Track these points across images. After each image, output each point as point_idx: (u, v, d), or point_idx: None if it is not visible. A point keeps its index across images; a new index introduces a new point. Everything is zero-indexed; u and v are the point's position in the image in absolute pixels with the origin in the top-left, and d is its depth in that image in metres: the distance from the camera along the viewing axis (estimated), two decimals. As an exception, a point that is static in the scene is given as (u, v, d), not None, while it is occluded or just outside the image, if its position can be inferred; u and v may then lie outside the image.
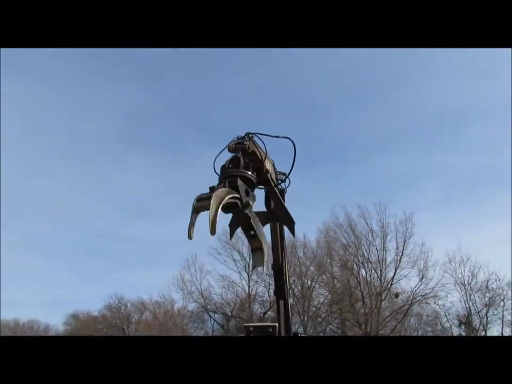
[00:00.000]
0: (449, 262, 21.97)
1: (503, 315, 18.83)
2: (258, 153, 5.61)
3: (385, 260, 24.15)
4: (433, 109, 50.88)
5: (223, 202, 4.32)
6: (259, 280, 31.97)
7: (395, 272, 23.55)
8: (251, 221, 5.33)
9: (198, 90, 68.56)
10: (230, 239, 7.95)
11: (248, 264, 32.14)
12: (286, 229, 9.17)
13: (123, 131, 69.80)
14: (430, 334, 23.51)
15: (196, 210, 4.40)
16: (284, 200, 8.84)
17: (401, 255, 23.67)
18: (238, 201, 4.90)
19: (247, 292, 31.75)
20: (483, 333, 18.36)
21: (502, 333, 18.52)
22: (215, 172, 4.97)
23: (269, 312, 30.47)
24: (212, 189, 4.52)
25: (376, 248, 24.64)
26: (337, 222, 27.45)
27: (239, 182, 4.71)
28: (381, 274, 23.85)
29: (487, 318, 18.60)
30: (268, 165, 7.22)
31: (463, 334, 16.64)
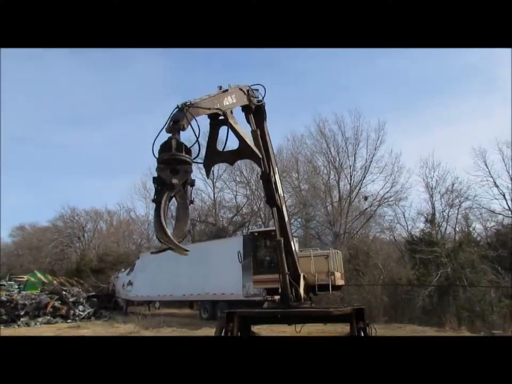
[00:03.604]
0: (422, 167, 24.30)
1: (458, 213, 22.34)
2: (193, 127, 5.38)
3: (355, 166, 26.27)
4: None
5: (163, 224, 4.96)
6: (224, 187, 33.25)
7: (364, 176, 25.91)
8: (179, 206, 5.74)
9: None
10: (207, 177, 8.28)
11: (212, 172, 32.93)
12: (272, 135, 9.32)
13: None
14: (387, 229, 26.75)
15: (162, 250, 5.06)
16: (265, 112, 9.14)
17: (371, 161, 25.81)
18: (167, 194, 5.11)
19: (213, 199, 33.13)
20: (444, 228, 21.82)
21: (455, 229, 22.22)
22: (153, 155, 5.12)
23: (237, 217, 32.42)
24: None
25: (348, 155, 26.46)
26: (311, 129, 28.45)
27: (157, 171, 5.11)
28: (350, 179, 26.07)
29: (448, 216, 22.12)
30: (226, 102, 7.44)
31: (428, 230, 19.32)
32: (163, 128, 5.48)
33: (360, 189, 26.17)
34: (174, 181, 4.92)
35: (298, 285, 10.67)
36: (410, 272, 18.35)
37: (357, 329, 9.37)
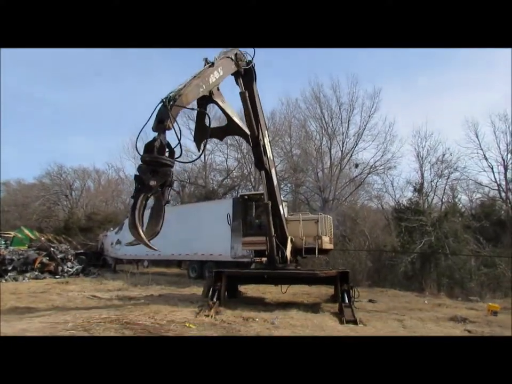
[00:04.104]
0: (414, 136, 24.44)
1: (446, 183, 22.80)
2: (176, 127, 5.65)
3: (348, 133, 26.29)
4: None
5: (136, 222, 5.50)
6: (215, 149, 33.04)
7: (356, 143, 25.99)
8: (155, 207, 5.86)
9: None
10: (199, 151, 8.78)
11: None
12: (262, 99, 9.65)
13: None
14: (376, 199, 27.10)
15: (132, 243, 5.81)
16: (254, 73, 9.24)
17: (364, 128, 25.82)
18: (144, 194, 5.58)
19: (203, 161, 32.96)
20: (430, 198, 22.27)
21: (442, 199, 22.68)
22: (137, 151, 5.48)
23: (227, 180, 32.50)
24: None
25: (341, 121, 26.37)
26: (306, 93, 28.12)
27: (138, 171, 5.45)
28: (342, 146, 26.11)
29: (436, 186, 22.56)
30: (213, 78, 7.65)
31: (416, 199, 19.70)
32: (146, 123, 5.57)
33: (351, 156, 26.33)
34: (152, 183, 5.23)
35: (286, 247, 10.95)
36: (395, 239, 18.85)
37: (340, 292, 9.77)
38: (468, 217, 20.39)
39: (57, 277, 18.79)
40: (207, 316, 8.46)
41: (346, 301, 9.41)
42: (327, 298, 12.27)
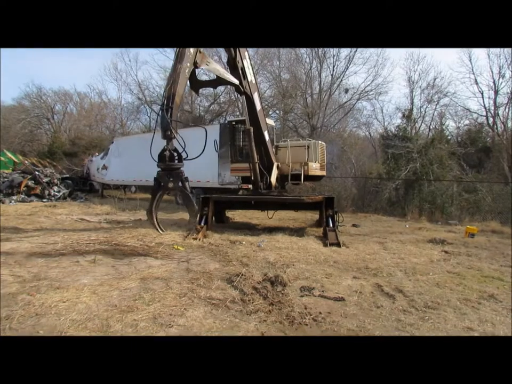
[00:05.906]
0: (407, 59, 23.69)
1: (435, 109, 22.59)
2: (178, 140, 6.76)
3: (339, 55, 25.17)
4: None
5: (153, 212, 7.04)
6: (200, 73, 31.51)
7: (347, 67, 25.02)
8: (181, 194, 8.42)
9: None
10: (198, 95, 10.00)
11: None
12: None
13: None
14: (365, 127, 26.77)
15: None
16: None
17: (356, 51, 24.68)
18: (163, 192, 7.10)
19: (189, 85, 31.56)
20: (418, 125, 22.15)
21: (429, 127, 22.52)
22: (153, 159, 6.65)
23: (214, 106, 31.54)
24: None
25: (333, 42, 25.00)
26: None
27: (157, 176, 6.75)
28: (333, 69, 25.11)
29: (425, 112, 22.33)
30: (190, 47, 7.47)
31: (404, 125, 19.48)
32: (153, 134, 6.93)
33: (341, 81, 25.51)
34: (171, 184, 6.76)
35: (271, 174, 10.92)
36: (381, 167, 19.00)
37: (325, 216, 9.98)
38: (453, 144, 20.50)
39: (44, 200, 18.77)
40: (195, 239, 8.64)
41: (331, 225, 9.63)
42: (312, 223, 12.58)
